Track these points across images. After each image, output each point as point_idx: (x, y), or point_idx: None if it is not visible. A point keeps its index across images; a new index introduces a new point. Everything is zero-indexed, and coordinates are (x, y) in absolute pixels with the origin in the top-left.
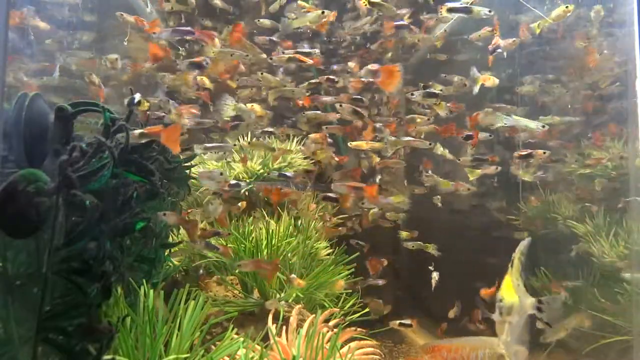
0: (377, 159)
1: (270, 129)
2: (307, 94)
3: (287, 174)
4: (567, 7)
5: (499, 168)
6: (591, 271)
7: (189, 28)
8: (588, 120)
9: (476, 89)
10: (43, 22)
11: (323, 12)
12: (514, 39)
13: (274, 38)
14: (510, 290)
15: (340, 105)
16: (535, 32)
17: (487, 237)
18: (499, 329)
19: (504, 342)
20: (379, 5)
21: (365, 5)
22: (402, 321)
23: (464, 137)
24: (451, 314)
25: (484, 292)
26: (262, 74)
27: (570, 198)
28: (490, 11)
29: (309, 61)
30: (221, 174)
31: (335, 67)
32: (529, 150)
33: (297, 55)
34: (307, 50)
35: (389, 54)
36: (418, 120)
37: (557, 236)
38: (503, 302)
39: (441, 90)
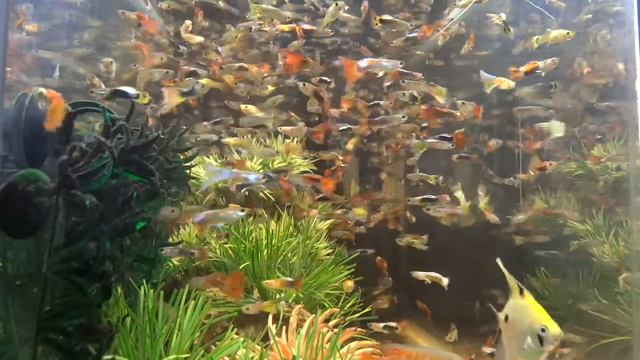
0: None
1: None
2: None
3: (270, 174)
4: (567, 33)
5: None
6: (591, 271)
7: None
8: (588, 121)
9: (488, 91)
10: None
11: (336, 4)
12: (552, 58)
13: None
14: (549, 317)
15: (304, 85)
16: (534, 46)
17: (486, 237)
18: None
19: None
20: (391, 22)
21: (378, 24)
22: (387, 324)
23: (439, 137)
24: (451, 337)
25: None
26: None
27: (570, 198)
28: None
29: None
30: (263, 177)
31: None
32: (545, 163)
33: None
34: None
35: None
36: (458, 114)
37: (557, 236)
38: (548, 332)
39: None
